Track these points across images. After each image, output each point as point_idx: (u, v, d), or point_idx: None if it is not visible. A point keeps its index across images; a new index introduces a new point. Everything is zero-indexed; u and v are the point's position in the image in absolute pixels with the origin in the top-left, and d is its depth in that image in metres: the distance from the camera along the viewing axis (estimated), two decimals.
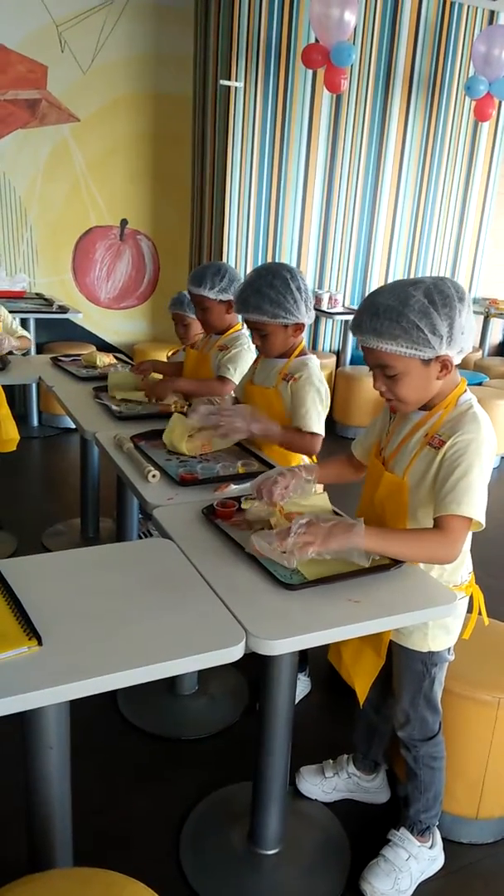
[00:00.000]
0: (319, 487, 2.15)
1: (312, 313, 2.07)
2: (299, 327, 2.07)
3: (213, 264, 2.53)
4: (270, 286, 1.97)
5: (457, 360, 1.48)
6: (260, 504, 1.59)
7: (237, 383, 2.50)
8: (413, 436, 1.53)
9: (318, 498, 1.64)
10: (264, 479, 1.60)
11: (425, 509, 1.48)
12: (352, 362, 5.70)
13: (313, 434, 2.05)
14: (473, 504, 1.39)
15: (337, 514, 1.66)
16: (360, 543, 1.36)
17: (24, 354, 3.37)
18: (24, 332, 3.28)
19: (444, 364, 1.45)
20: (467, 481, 1.39)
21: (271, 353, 2.13)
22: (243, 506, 1.67)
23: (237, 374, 2.50)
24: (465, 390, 1.52)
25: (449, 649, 1.63)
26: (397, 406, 1.52)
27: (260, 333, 2.07)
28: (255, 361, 2.28)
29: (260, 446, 2.16)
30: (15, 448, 3.10)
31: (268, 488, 1.57)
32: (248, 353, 2.53)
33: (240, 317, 2.38)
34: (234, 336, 2.58)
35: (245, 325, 2.14)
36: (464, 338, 1.43)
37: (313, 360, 2.12)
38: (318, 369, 2.11)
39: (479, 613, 1.65)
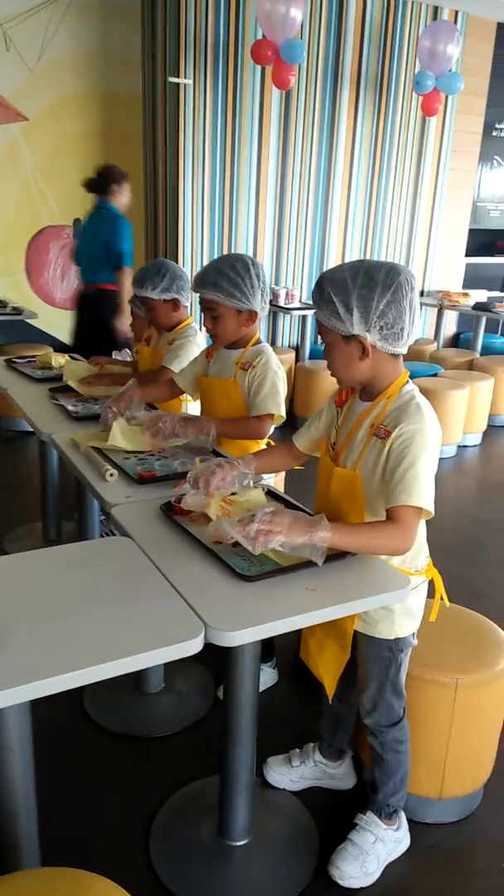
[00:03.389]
0: (270, 479, 2.17)
1: (267, 307, 2.08)
2: (252, 316, 2.07)
3: (155, 264, 2.52)
4: (231, 268, 2.00)
5: (392, 349, 1.47)
6: (197, 494, 1.59)
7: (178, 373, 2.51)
8: (359, 428, 1.55)
9: (254, 493, 1.64)
10: (203, 469, 1.60)
11: (382, 500, 1.49)
12: (310, 357, 5.74)
13: (259, 417, 2.06)
14: (422, 494, 1.41)
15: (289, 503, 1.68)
16: (325, 538, 1.35)
17: None
18: None
19: (363, 346, 1.46)
20: (415, 472, 1.41)
21: (222, 338, 2.12)
22: (186, 498, 1.64)
23: (177, 365, 2.51)
24: (408, 381, 1.54)
25: (413, 634, 1.66)
26: (334, 377, 1.57)
27: (212, 315, 2.06)
28: (209, 354, 2.25)
29: (220, 441, 2.16)
30: None
31: (205, 478, 1.57)
32: (192, 345, 2.53)
33: (189, 311, 2.40)
34: (182, 330, 2.59)
35: (200, 308, 2.13)
36: (383, 323, 1.42)
37: (269, 348, 2.14)
38: (274, 355, 2.13)
39: (441, 597, 1.69)
